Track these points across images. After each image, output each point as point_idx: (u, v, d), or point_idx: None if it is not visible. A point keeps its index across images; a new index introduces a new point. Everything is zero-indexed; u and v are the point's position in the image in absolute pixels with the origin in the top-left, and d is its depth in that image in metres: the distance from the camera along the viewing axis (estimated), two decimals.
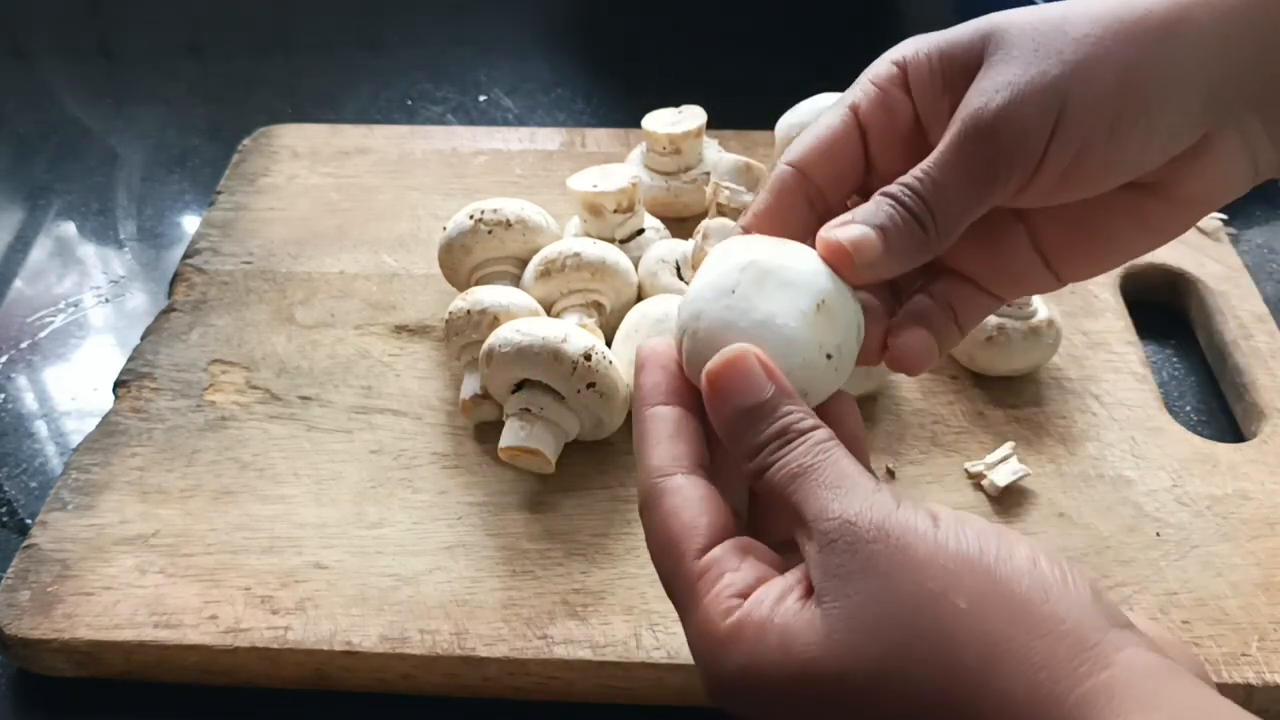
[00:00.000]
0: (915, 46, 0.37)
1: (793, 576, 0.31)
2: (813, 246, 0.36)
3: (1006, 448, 0.55)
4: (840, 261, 0.34)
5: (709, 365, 0.33)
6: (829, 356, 0.34)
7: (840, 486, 0.30)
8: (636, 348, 0.36)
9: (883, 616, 0.28)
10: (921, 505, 0.30)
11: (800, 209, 0.37)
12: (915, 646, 0.27)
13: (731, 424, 0.32)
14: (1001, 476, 0.54)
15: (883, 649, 0.28)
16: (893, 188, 0.35)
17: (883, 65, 0.38)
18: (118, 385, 0.60)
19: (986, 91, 0.34)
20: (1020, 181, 0.35)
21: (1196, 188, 0.36)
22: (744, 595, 0.30)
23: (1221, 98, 0.34)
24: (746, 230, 0.37)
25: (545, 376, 0.52)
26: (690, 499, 0.32)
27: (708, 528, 0.32)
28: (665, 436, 0.34)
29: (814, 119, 0.38)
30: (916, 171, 0.35)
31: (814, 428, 0.32)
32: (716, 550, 0.32)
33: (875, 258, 0.34)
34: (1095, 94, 0.33)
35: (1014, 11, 0.35)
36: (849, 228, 0.35)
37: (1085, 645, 0.27)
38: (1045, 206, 0.36)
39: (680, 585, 0.32)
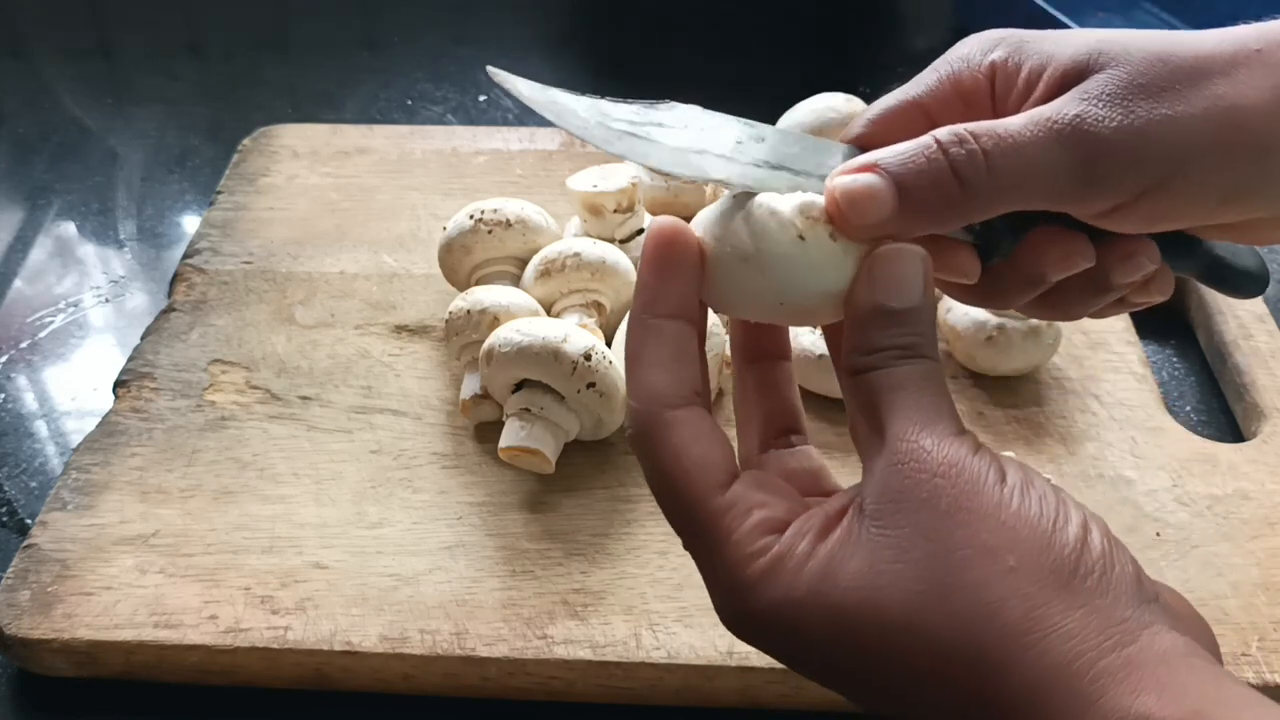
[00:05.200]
0: (1007, 53, 0.34)
1: (833, 504, 0.30)
2: None
3: (1007, 455, 0.55)
4: (835, 218, 0.31)
5: (880, 251, 0.31)
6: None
7: (929, 418, 0.29)
8: (651, 225, 0.32)
9: (932, 555, 0.27)
10: (996, 459, 0.29)
11: None
12: (957, 595, 0.27)
13: (868, 317, 0.30)
14: None
15: (924, 588, 0.27)
16: (953, 128, 0.31)
17: (965, 68, 0.35)
18: (118, 385, 0.60)
19: (1101, 103, 0.31)
20: (1101, 210, 0.32)
21: None
22: (779, 529, 0.30)
23: None
24: None
25: (545, 376, 0.52)
26: (701, 433, 0.31)
27: (725, 462, 0.31)
28: (669, 358, 0.31)
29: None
30: (991, 124, 0.31)
31: (933, 355, 0.30)
32: (738, 486, 0.30)
33: (880, 217, 0.31)
34: (1218, 153, 0.31)
35: (1128, 34, 0.33)
36: (856, 176, 0.31)
37: (1115, 620, 0.27)
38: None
39: (699, 523, 0.30)
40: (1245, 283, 0.39)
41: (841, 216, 0.31)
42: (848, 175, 0.31)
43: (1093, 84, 0.32)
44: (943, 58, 0.36)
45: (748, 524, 0.30)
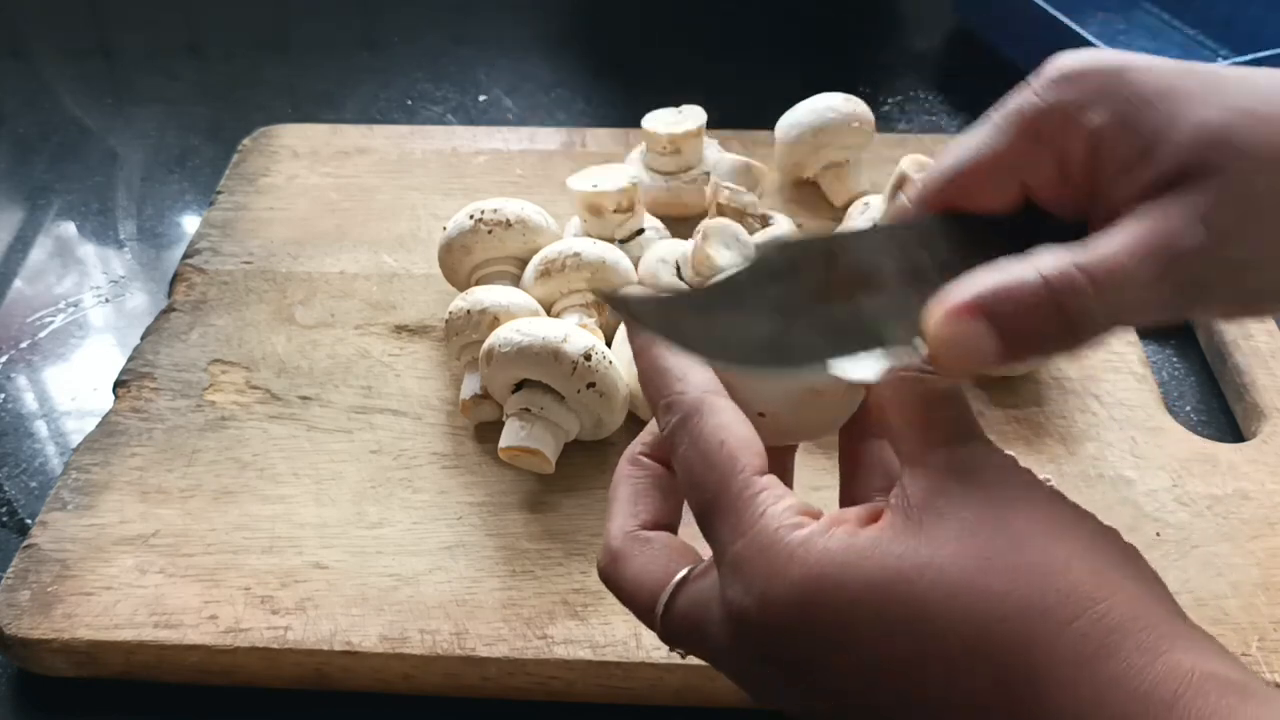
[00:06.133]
0: (1109, 118, 0.31)
1: (863, 510, 0.31)
2: None
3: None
4: (938, 366, 0.30)
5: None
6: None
7: (976, 425, 0.31)
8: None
9: (999, 527, 0.28)
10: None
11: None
12: (1024, 554, 0.28)
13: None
14: None
15: (990, 555, 0.28)
16: (1063, 268, 0.29)
17: (1058, 126, 0.32)
18: (118, 385, 0.60)
19: (1213, 235, 0.29)
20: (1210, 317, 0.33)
21: None
22: (814, 515, 0.30)
23: None
24: None
25: (545, 376, 0.52)
26: (741, 421, 0.32)
27: (761, 453, 0.32)
28: (700, 364, 0.33)
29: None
30: (1099, 258, 0.30)
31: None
32: (770, 477, 0.31)
33: (985, 362, 0.30)
34: None
35: (1259, 105, 0.30)
36: (958, 325, 0.30)
37: (1171, 604, 0.28)
38: None
39: (735, 495, 0.31)
40: None
41: (945, 366, 0.30)
42: (948, 326, 0.30)
43: (1204, 200, 0.30)
44: (1024, 99, 0.33)
45: (782, 505, 0.30)
